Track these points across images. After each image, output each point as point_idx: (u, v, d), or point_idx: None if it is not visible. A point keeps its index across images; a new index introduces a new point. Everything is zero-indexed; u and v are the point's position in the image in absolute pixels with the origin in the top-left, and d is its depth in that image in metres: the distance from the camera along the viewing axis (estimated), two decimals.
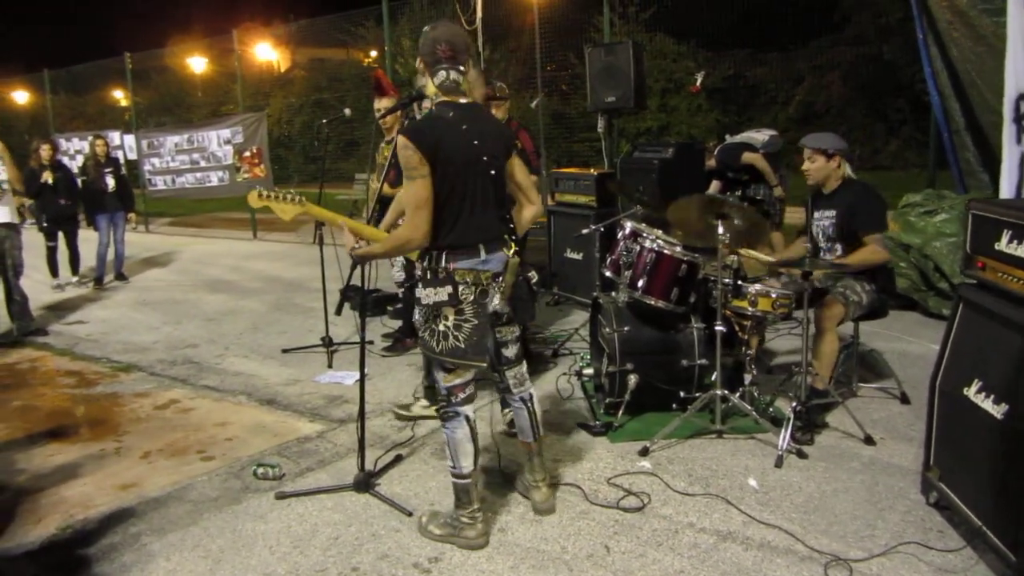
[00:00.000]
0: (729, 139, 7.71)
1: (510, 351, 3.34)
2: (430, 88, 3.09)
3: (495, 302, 3.11)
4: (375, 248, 3.26)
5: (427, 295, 3.05)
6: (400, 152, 2.92)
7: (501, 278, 3.12)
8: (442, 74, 3.04)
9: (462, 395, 3.19)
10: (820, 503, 3.50)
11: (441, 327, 3.05)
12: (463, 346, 3.06)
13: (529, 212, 3.40)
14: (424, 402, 4.60)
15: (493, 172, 3.12)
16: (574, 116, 14.02)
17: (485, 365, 3.19)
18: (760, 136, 7.54)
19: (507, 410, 4.08)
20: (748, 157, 7.29)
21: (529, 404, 3.45)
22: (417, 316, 3.14)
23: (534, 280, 3.47)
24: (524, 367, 3.45)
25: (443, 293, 3.02)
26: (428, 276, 3.05)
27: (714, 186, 7.69)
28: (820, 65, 16.83)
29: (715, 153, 7.57)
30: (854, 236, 4.33)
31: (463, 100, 3.10)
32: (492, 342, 3.26)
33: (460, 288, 3.03)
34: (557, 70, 15.04)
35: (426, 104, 3.21)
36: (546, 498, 3.47)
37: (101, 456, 4.28)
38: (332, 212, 3.77)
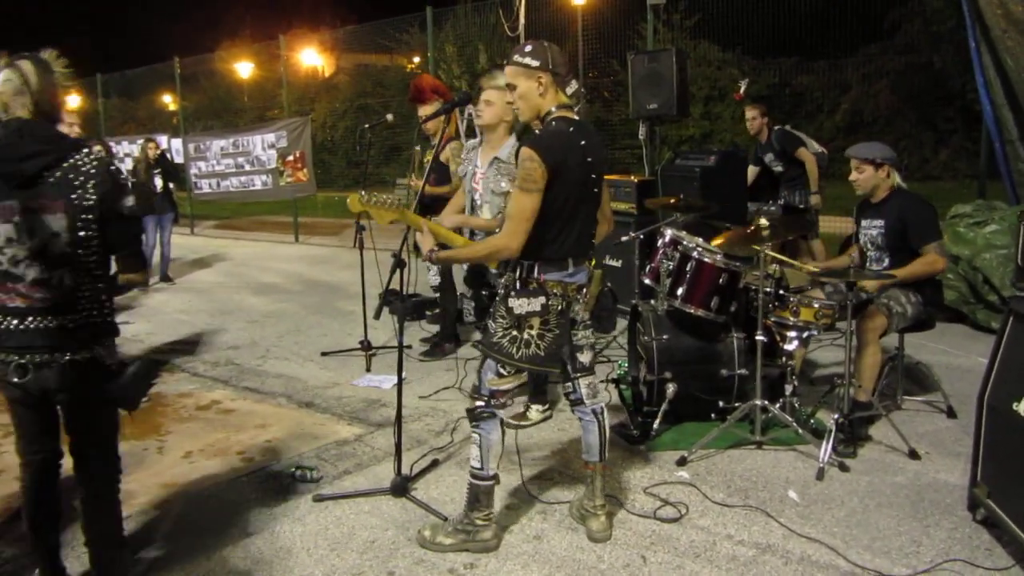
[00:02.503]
0: (789, 129, 7.59)
1: (585, 357, 3.32)
2: (549, 102, 3.07)
3: (579, 313, 3.18)
4: (459, 252, 3.24)
5: (519, 305, 3.06)
6: (524, 164, 2.92)
7: (585, 290, 3.18)
8: (574, 84, 3.08)
9: (503, 399, 3.21)
10: (863, 517, 3.43)
11: (525, 335, 3.07)
12: (542, 354, 3.09)
13: (604, 230, 3.43)
14: (538, 407, 4.65)
15: (596, 190, 3.17)
16: (616, 123, 13.99)
17: (558, 371, 3.22)
18: (816, 145, 7.47)
19: None
20: (804, 154, 7.19)
21: (601, 418, 3.36)
22: (494, 322, 3.14)
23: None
24: (597, 377, 3.42)
25: (536, 304, 3.05)
26: (519, 287, 3.08)
27: (751, 172, 7.57)
28: (868, 73, 16.60)
29: (773, 130, 7.43)
30: (904, 246, 4.26)
31: (575, 116, 3.11)
32: (568, 347, 3.26)
33: (551, 299, 3.06)
34: (600, 76, 15.03)
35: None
36: (604, 528, 3.33)
37: (144, 454, 4.35)
38: (418, 218, 3.56)
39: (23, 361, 2.58)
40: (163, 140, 15.06)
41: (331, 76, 29.42)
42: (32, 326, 2.58)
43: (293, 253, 12.63)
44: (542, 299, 3.06)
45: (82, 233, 2.57)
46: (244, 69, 26.16)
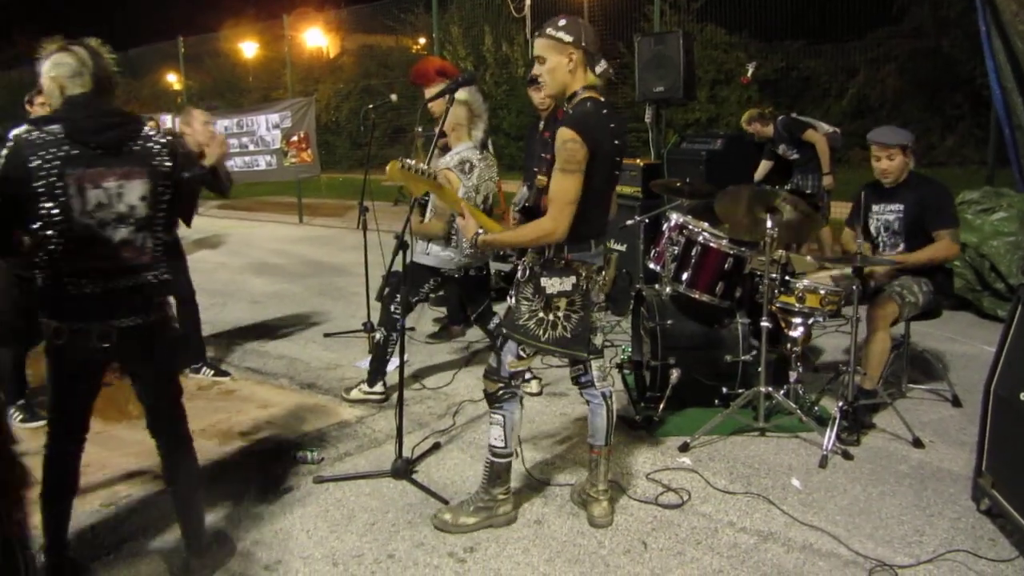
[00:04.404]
0: (794, 115, 7.57)
1: (598, 339, 3.31)
2: (577, 81, 3.03)
3: (598, 294, 3.18)
4: (505, 237, 3.18)
5: (551, 284, 3.05)
6: (566, 146, 2.89)
7: (604, 272, 3.17)
8: (603, 63, 3.04)
9: (520, 380, 3.22)
10: (865, 506, 3.41)
11: (551, 316, 3.07)
12: (569, 336, 3.09)
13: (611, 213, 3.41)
14: (365, 387, 4.73)
15: (617, 172, 3.16)
16: (621, 106, 13.85)
17: (586, 355, 3.20)
18: (826, 126, 7.43)
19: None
20: (811, 135, 7.16)
21: (609, 402, 3.33)
22: (518, 304, 3.12)
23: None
24: (605, 359, 3.41)
25: (567, 283, 3.05)
26: (550, 266, 3.06)
27: (763, 167, 7.54)
28: (876, 58, 16.43)
29: (777, 120, 7.41)
30: (921, 231, 4.22)
31: (601, 97, 3.06)
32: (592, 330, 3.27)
33: (580, 279, 3.06)
34: (605, 59, 14.92)
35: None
36: (605, 513, 3.31)
37: (145, 433, 4.31)
38: (457, 197, 3.47)
39: (107, 328, 2.70)
40: (167, 119, 15.00)
41: (336, 57, 29.23)
42: (118, 286, 2.72)
43: (296, 234, 12.60)
44: (573, 278, 3.05)
45: (162, 197, 2.82)
46: (248, 49, 26.01)
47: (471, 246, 3.18)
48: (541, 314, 3.07)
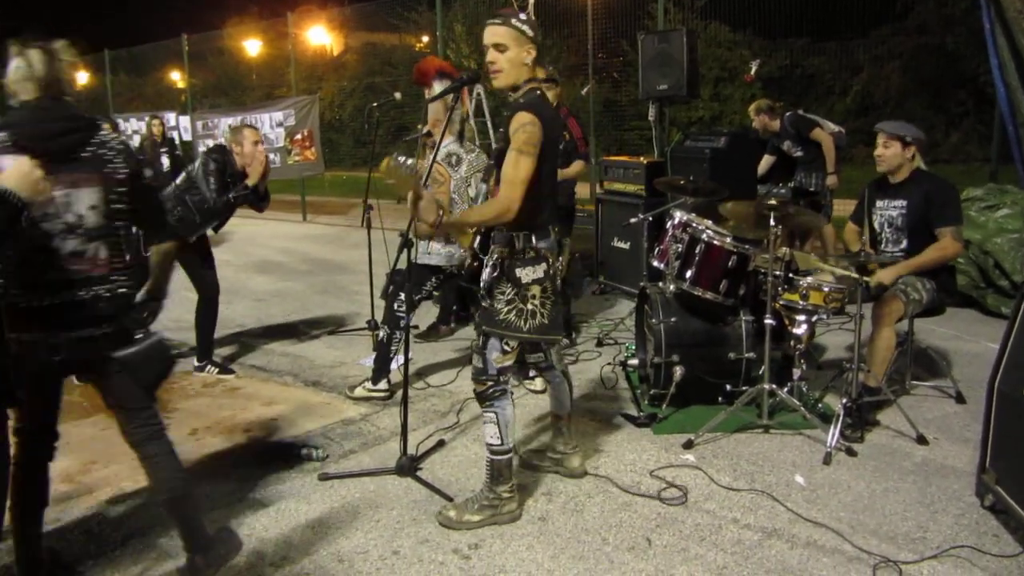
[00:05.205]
0: (802, 112, 7.55)
1: None
2: (527, 73, 3.13)
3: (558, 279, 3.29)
4: (464, 216, 3.31)
5: (526, 274, 3.12)
6: (526, 128, 2.97)
7: (562, 258, 3.28)
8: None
9: (507, 375, 3.26)
10: (869, 503, 3.42)
11: (529, 306, 3.13)
12: (547, 322, 3.18)
13: None
14: (369, 384, 4.75)
15: (559, 158, 3.27)
16: (625, 104, 13.86)
17: (563, 337, 3.35)
18: (832, 125, 7.42)
19: None
20: (819, 134, 7.14)
21: (568, 376, 3.62)
22: (493, 302, 3.17)
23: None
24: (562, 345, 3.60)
25: (539, 270, 3.13)
26: (522, 256, 3.13)
27: (765, 161, 7.53)
28: (879, 55, 16.41)
29: (784, 116, 7.39)
30: (924, 228, 4.22)
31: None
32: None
33: (550, 266, 3.15)
34: (609, 57, 14.91)
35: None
36: (583, 461, 3.69)
37: None
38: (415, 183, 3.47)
39: (56, 341, 2.60)
40: (171, 117, 15.01)
41: (339, 55, 29.22)
42: (68, 298, 2.61)
43: (300, 232, 12.62)
44: (543, 265, 3.13)
45: (115, 206, 2.69)
46: (252, 47, 26.01)
47: (436, 227, 3.23)
48: (520, 305, 3.13)
